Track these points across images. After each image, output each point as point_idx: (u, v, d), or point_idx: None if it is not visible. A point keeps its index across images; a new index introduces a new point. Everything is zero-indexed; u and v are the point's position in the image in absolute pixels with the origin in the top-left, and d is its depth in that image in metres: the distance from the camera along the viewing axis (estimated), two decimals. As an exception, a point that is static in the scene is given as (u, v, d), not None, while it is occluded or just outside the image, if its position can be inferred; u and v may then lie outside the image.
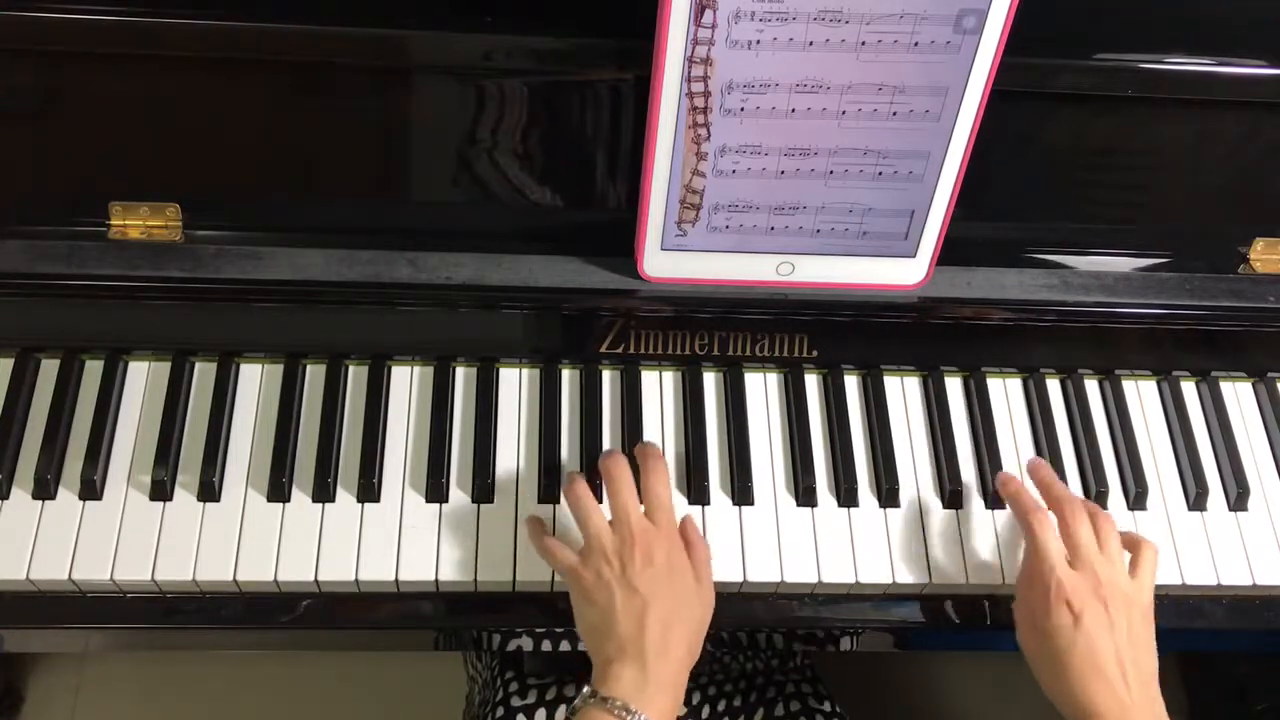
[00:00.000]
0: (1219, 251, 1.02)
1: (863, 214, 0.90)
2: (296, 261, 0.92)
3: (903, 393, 1.02)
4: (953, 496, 0.96)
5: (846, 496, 0.96)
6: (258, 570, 0.89)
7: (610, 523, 0.85)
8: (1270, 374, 1.06)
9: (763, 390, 1.01)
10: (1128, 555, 0.89)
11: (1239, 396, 1.05)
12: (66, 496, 0.91)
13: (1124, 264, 1.00)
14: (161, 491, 0.91)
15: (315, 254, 0.93)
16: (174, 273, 0.91)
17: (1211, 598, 0.97)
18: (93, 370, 0.96)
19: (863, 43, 0.80)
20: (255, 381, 0.97)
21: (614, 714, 0.77)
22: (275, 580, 0.89)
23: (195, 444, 0.93)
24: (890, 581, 0.93)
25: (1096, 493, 0.98)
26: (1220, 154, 0.96)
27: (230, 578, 0.88)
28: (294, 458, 0.93)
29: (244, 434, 0.95)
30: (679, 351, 0.99)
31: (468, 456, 0.95)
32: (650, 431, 0.97)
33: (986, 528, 0.96)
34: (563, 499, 0.92)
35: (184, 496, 0.92)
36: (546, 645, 0.95)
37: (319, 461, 0.93)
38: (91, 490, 0.91)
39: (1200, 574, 0.96)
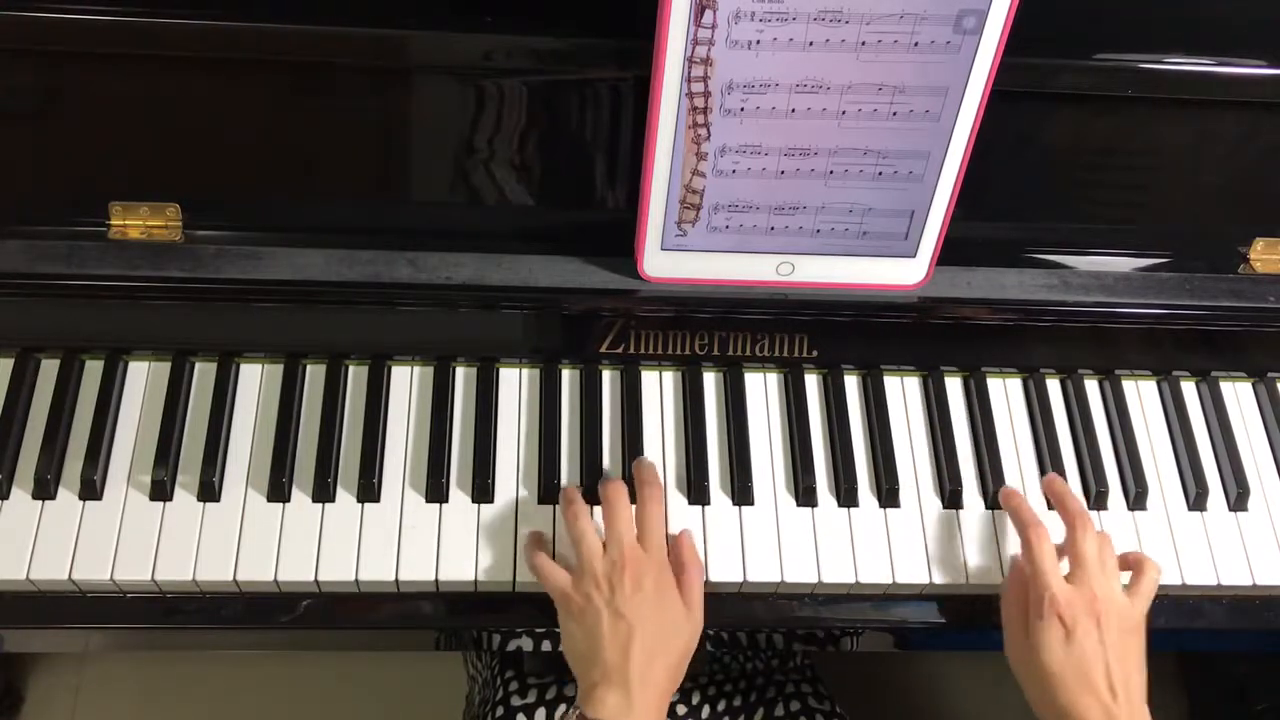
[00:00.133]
0: (1219, 251, 1.02)
1: (863, 214, 0.90)
2: (296, 261, 0.92)
3: (903, 393, 1.02)
4: (953, 496, 0.96)
5: (846, 496, 0.96)
6: (258, 570, 0.89)
7: (604, 544, 0.86)
8: (1270, 374, 1.06)
9: (763, 390, 1.01)
10: (1128, 574, 0.90)
11: (1239, 396, 1.05)
12: (66, 496, 0.91)
13: (1124, 264, 1.00)
14: (161, 491, 0.91)
15: (315, 254, 0.93)
16: (174, 273, 0.91)
17: (1211, 598, 0.97)
18: (93, 370, 0.96)
19: (863, 43, 0.80)
20: (255, 381, 0.97)
21: None
22: (275, 580, 0.89)
23: (195, 444, 0.93)
24: (890, 581, 0.93)
25: (1096, 493, 0.98)
26: (1220, 154, 0.96)
27: (230, 578, 0.88)
28: (294, 458, 0.93)
29: (244, 434, 0.95)
30: (679, 351, 0.99)
31: (468, 456, 0.95)
32: (650, 431, 0.97)
33: (986, 528, 0.96)
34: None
35: (184, 496, 0.92)
36: (546, 645, 0.95)
37: (319, 461, 0.93)
38: (91, 490, 0.91)
39: (1200, 574, 0.96)
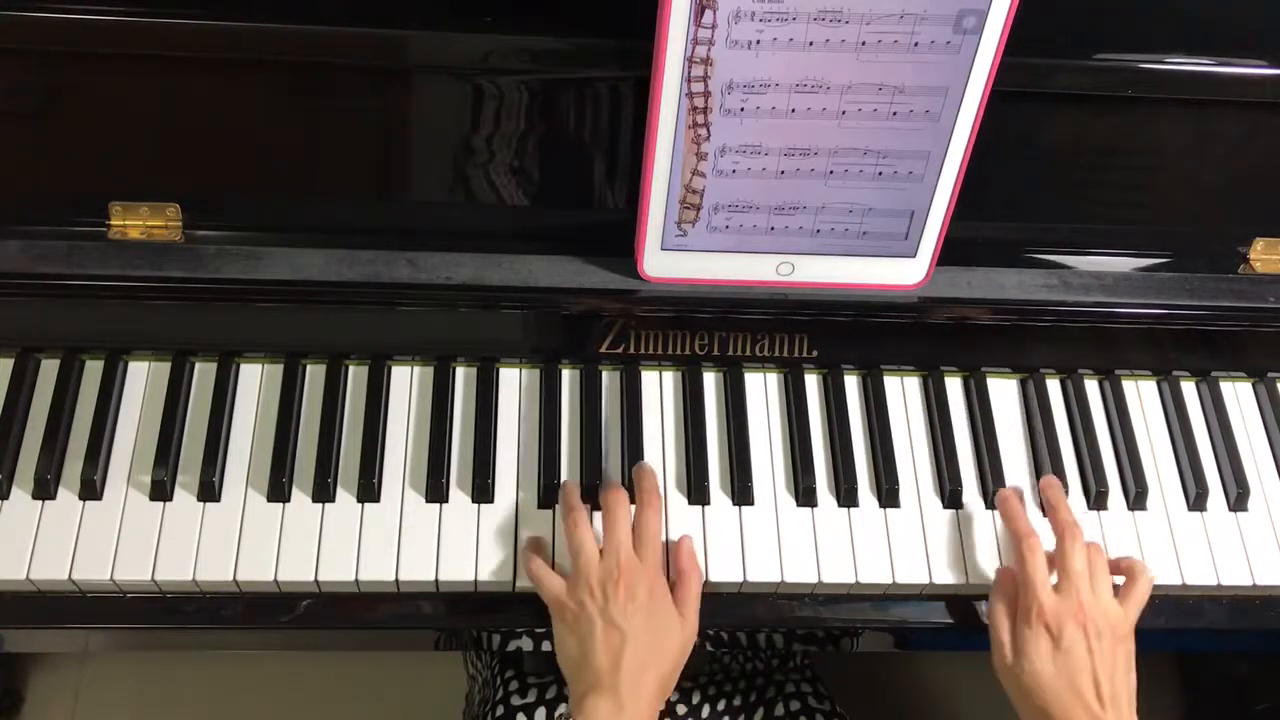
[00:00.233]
0: (1219, 251, 1.02)
1: (863, 214, 0.90)
2: (296, 261, 0.92)
3: (903, 393, 1.02)
4: (952, 496, 0.96)
5: (846, 496, 0.96)
6: (258, 570, 0.89)
7: (601, 551, 0.86)
8: (1270, 374, 1.06)
9: (763, 390, 1.01)
10: (1120, 580, 0.90)
11: (1239, 396, 1.05)
12: (66, 496, 0.91)
13: (1124, 264, 1.00)
14: (161, 491, 0.91)
15: (315, 254, 0.93)
16: (174, 273, 0.91)
17: (1211, 598, 0.97)
18: (93, 370, 0.96)
19: (863, 43, 0.80)
20: (255, 381, 0.97)
21: None
22: (275, 580, 0.89)
23: (195, 444, 0.93)
24: (890, 581, 0.93)
25: (1096, 493, 0.98)
26: (1220, 154, 0.96)
27: (230, 578, 0.88)
28: (294, 458, 0.93)
29: (244, 434, 0.95)
30: (679, 351, 0.99)
31: (468, 456, 0.95)
32: (650, 431, 0.97)
33: (986, 528, 0.96)
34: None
35: (184, 496, 0.92)
36: (546, 645, 0.95)
37: (319, 461, 0.93)
38: (91, 490, 0.91)
39: (1200, 574, 0.96)
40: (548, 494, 0.94)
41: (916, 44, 0.80)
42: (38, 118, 0.89)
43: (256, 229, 0.94)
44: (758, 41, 0.80)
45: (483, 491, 0.93)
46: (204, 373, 0.97)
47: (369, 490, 0.92)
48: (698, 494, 0.95)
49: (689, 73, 0.81)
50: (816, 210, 0.90)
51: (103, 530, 0.89)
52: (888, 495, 0.96)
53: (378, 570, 0.89)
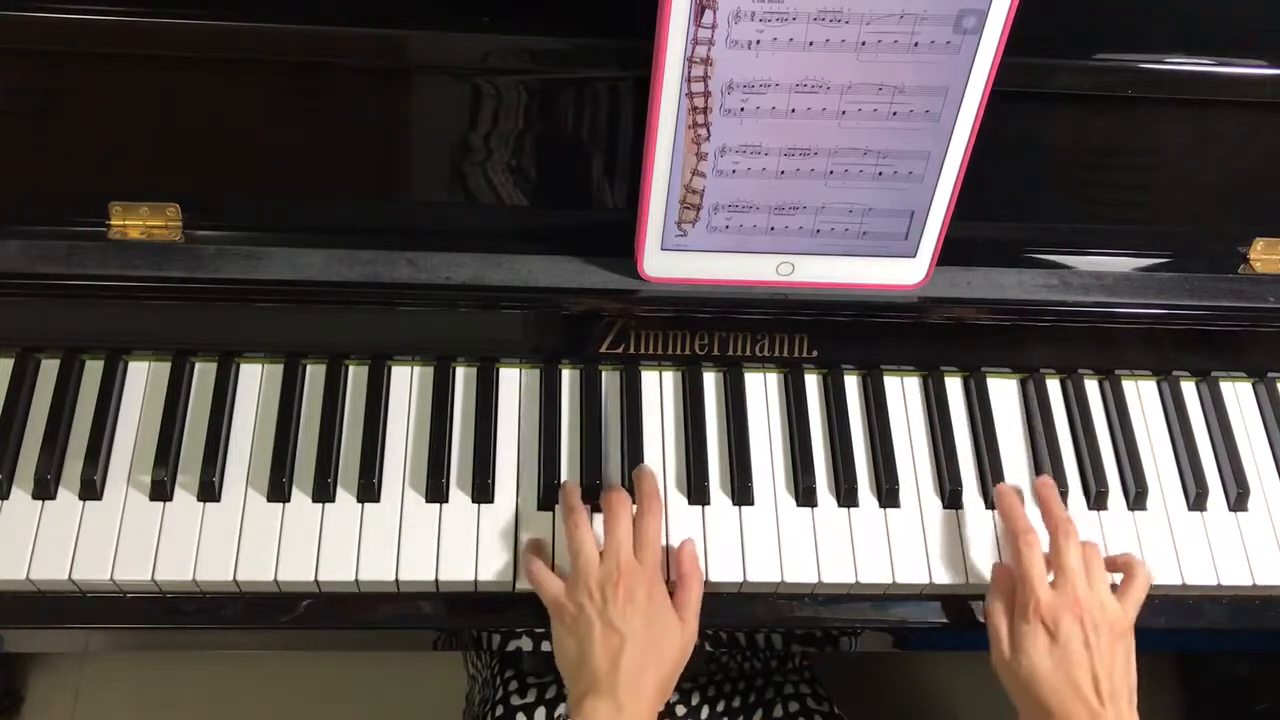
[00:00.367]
0: (1219, 251, 1.02)
1: (863, 214, 0.90)
2: (296, 261, 0.92)
3: (903, 393, 1.02)
4: (952, 496, 0.96)
5: (846, 496, 0.96)
6: (258, 570, 0.89)
7: (601, 553, 0.86)
8: (1270, 374, 1.06)
9: (763, 390, 1.01)
10: (1118, 577, 0.90)
11: (1239, 396, 1.05)
12: (66, 496, 0.91)
13: (1124, 264, 1.00)
14: (161, 491, 0.91)
15: (315, 254, 0.93)
16: (174, 273, 0.91)
17: (1211, 598, 0.97)
18: (93, 370, 0.96)
19: (863, 43, 0.80)
20: (255, 381, 0.97)
21: None
22: (275, 580, 0.89)
23: (195, 444, 0.93)
24: (890, 581, 0.93)
25: (1096, 493, 0.98)
26: (1220, 154, 0.96)
27: (230, 578, 0.88)
28: (294, 458, 0.93)
29: (244, 434, 0.95)
30: (679, 351, 0.99)
31: (468, 456, 0.95)
32: (650, 431, 0.97)
33: (986, 528, 0.96)
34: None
35: (184, 496, 0.92)
36: (546, 645, 0.95)
37: (319, 461, 0.93)
38: (91, 490, 0.91)
39: (1200, 574, 0.96)
40: (548, 494, 0.94)
41: (916, 44, 0.80)
42: (38, 118, 0.89)
43: (256, 229, 0.94)
44: (758, 41, 0.80)
45: (483, 491, 0.93)
46: (204, 373, 0.97)
47: (369, 490, 0.92)
48: (698, 494, 0.95)
49: (689, 73, 0.81)
50: (816, 210, 0.90)
51: (103, 530, 0.89)
52: (888, 495, 0.96)
53: (378, 570, 0.89)
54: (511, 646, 0.97)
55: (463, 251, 0.94)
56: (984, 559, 0.94)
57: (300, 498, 0.92)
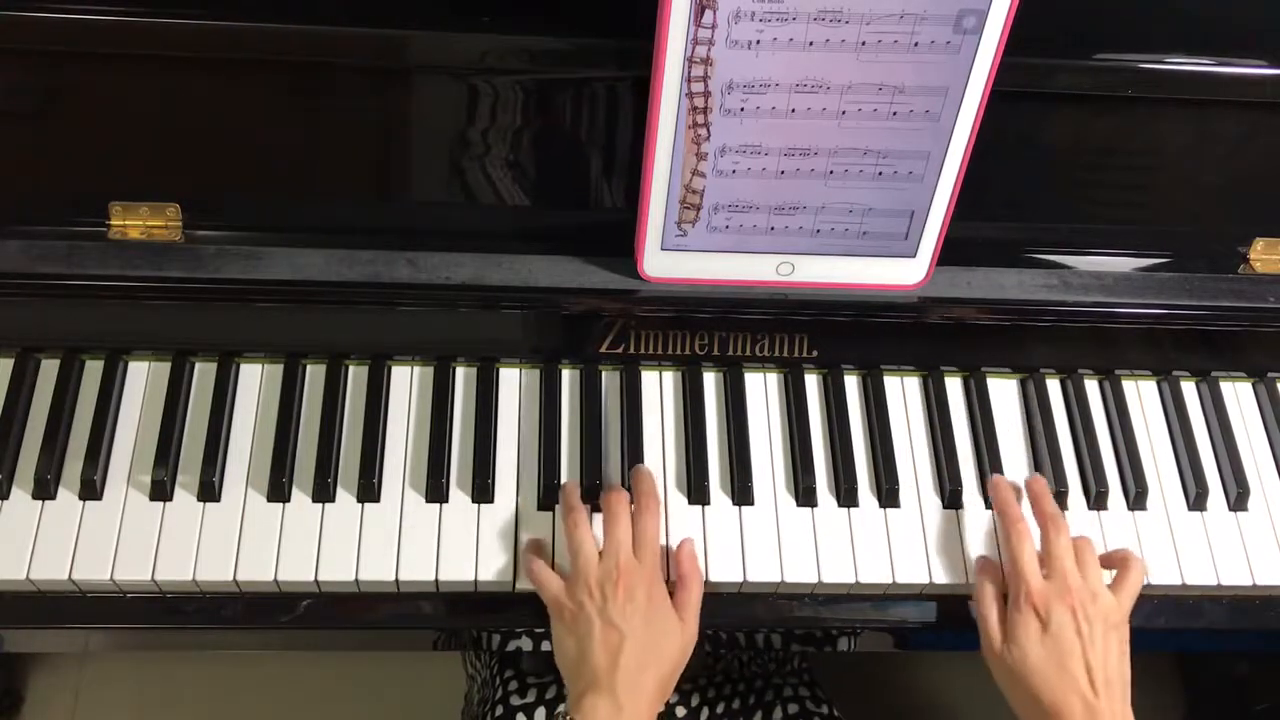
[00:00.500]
0: (1219, 251, 1.02)
1: (863, 214, 0.90)
2: (296, 261, 0.92)
3: (903, 393, 1.02)
4: (952, 496, 0.96)
5: (846, 496, 0.96)
6: (258, 570, 0.89)
7: (600, 553, 0.87)
8: (1270, 374, 1.06)
9: (763, 390, 1.01)
10: (1113, 573, 0.90)
11: (1239, 396, 1.05)
12: (66, 496, 0.91)
13: (1124, 264, 1.00)
14: (161, 491, 0.91)
15: (315, 254, 0.93)
16: (174, 273, 0.91)
17: (1211, 598, 0.97)
18: (93, 370, 0.96)
19: (863, 43, 0.80)
20: (255, 381, 0.97)
21: None
22: (275, 580, 0.89)
23: (195, 444, 0.93)
24: (890, 581, 0.93)
25: (1096, 493, 0.98)
26: (1220, 154, 0.96)
27: (230, 578, 0.88)
28: (294, 458, 0.93)
29: (244, 434, 0.95)
30: (679, 351, 0.99)
31: (468, 456, 0.95)
32: (650, 431, 0.97)
33: (986, 528, 0.96)
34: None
35: (184, 496, 0.92)
36: (546, 645, 0.95)
37: (319, 461, 0.93)
38: (91, 490, 0.91)
39: (1200, 574, 0.96)
40: (548, 494, 0.94)
41: (916, 44, 0.80)
42: (38, 118, 0.89)
43: (256, 229, 0.94)
44: (758, 41, 0.80)
45: (483, 491, 0.93)
46: (204, 373, 0.97)
47: (369, 490, 0.92)
48: (698, 494, 0.95)
49: (689, 73, 0.81)
50: (816, 210, 0.90)
51: (103, 530, 0.89)
52: (888, 495, 0.96)
53: (378, 570, 0.89)
54: (511, 646, 0.97)
55: (463, 251, 0.94)
56: (984, 558, 0.94)
57: (300, 498, 0.92)
